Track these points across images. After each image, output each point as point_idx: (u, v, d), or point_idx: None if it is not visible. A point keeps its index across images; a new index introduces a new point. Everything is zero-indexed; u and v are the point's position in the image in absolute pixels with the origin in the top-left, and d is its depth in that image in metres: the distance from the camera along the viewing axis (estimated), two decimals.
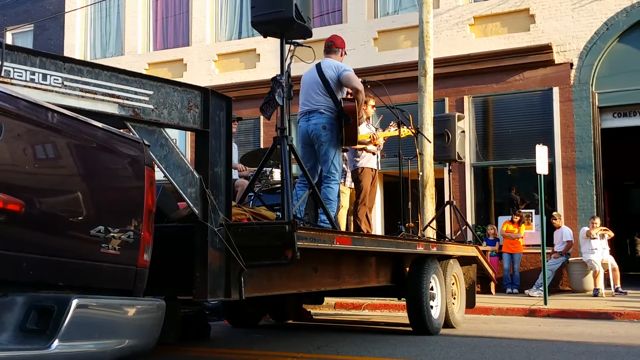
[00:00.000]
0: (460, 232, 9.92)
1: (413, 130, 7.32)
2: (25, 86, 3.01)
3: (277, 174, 7.42)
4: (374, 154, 7.22)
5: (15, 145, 2.37)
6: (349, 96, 6.06)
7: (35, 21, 16.49)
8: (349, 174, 7.49)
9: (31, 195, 2.41)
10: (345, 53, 6.19)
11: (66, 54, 15.35)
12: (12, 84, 2.95)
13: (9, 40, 16.75)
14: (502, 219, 11.89)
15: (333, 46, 6.08)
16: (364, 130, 7.25)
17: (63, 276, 2.56)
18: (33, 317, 2.36)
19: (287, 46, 4.77)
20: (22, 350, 2.24)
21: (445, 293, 6.86)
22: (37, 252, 2.43)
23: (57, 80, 3.17)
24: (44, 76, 3.12)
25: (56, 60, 3.21)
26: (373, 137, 7.02)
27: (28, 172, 2.42)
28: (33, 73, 3.07)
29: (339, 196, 6.88)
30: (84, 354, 2.48)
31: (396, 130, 7.12)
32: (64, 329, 2.33)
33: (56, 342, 2.30)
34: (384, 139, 7.34)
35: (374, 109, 7.62)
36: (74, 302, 2.39)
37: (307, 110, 5.85)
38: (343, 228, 7.39)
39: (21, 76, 3.01)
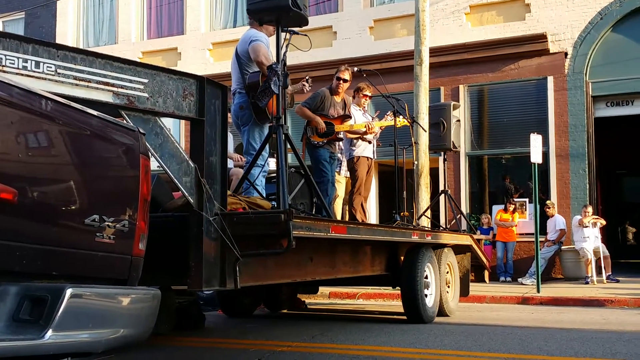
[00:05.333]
0: (454, 221, 9.95)
1: (409, 120, 7.30)
2: (17, 74, 2.96)
3: (272, 163, 7.40)
4: (370, 142, 7.20)
5: (8, 133, 2.33)
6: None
7: (27, 9, 16.30)
8: (344, 163, 7.47)
9: (24, 184, 2.38)
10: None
11: (58, 42, 15.19)
12: (4, 71, 2.91)
13: None
14: (496, 208, 11.93)
15: None
16: (360, 120, 7.24)
17: (57, 265, 2.53)
18: (26, 307, 2.33)
19: (282, 34, 4.74)
20: (16, 340, 2.22)
21: (439, 281, 6.88)
22: (30, 241, 2.40)
23: (50, 68, 3.13)
24: (37, 64, 3.07)
25: (49, 48, 3.17)
26: (369, 126, 6.99)
27: (21, 160, 2.39)
28: (26, 60, 3.02)
29: (334, 185, 6.87)
30: (78, 343, 2.46)
31: (392, 119, 7.10)
32: (58, 319, 2.31)
33: (50, 332, 2.28)
34: (380, 128, 7.32)
35: (366, 99, 7.54)
36: (68, 292, 2.37)
37: (232, 91, 5.52)
38: (339, 217, 7.39)
39: (13, 64, 2.97)
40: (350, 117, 6.95)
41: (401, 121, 7.07)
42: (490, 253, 11.27)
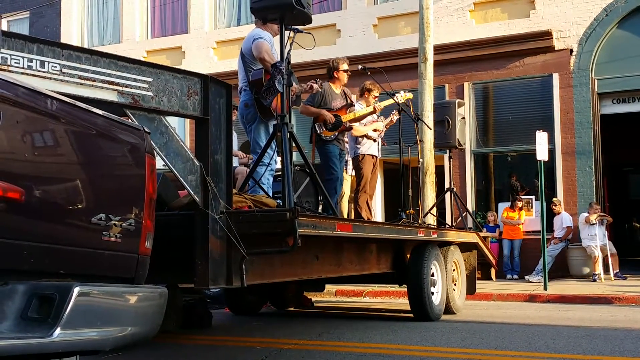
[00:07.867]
0: (460, 218, 9.93)
1: (410, 95, 7.33)
2: (23, 73, 2.97)
3: (280, 162, 7.40)
4: (375, 140, 7.19)
5: (15, 132, 2.34)
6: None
7: (31, 8, 16.35)
8: (349, 162, 7.46)
9: (31, 183, 2.39)
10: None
11: (63, 41, 15.20)
12: (9, 71, 2.92)
13: (4, 27, 16.63)
14: (502, 206, 11.91)
15: None
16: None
17: (64, 264, 2.54)
18: (34, 306, 2.34)
19: (286, 33, 4.73)
20: (24, 338, 2.23)
21: (446, 279, 6.87)
22: (37, 240, 2.41)
23: (55, 67, 3.14)
24: (42, 63, 3.08)
25: (54, 47, 3.17)
26: (375, 108, 6.97)
27: (28, 159, 2.39)
28: (31, 60, 3.03)
29: (342, 183, 6.87)
30: (86, 341, 2.46)
31: (395, 113, 7.11)
32: (66, 317, 2.32)
33: (58, 330, 2.29)
34: (387, 124, 7.30)
35: (376, 99, 7.54)
36: (76, 290, 2.37)
37: (239, 90, 5.53)
38: (344, 215, 7.39)
39: (19, 63, 2.98)
40: (353, 105, 6.95)
41: (403, 96, 7.09)
42: (496, 251, 11.25)
